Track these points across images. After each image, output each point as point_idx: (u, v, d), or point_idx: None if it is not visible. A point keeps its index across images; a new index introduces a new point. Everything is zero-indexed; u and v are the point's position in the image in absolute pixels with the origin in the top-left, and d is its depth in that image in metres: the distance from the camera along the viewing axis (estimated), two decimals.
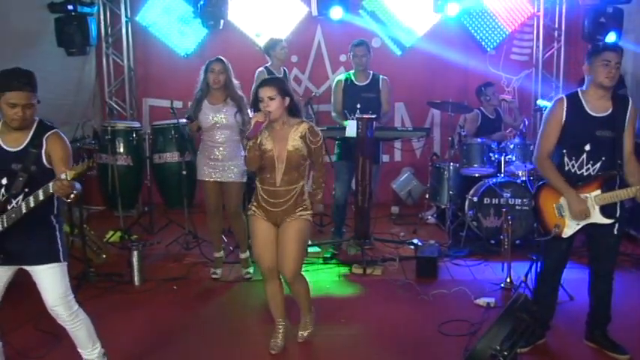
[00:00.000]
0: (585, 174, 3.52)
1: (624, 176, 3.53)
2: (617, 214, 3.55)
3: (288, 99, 3.50)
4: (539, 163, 3.64)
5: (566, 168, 3.56)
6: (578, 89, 3.61)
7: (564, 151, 3.56)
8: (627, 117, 3.50)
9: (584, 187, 3.51)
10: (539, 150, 3.63)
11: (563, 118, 3.53)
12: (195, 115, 4.87)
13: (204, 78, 4.84)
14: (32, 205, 2.94)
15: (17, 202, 2.98)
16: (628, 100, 3.54)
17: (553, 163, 3.59)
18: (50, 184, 2.87)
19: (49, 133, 3.05)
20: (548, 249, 3.72)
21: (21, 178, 2.96)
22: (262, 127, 3.47)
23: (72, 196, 2.90)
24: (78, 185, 2.96)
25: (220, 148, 4.83)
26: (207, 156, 4.87)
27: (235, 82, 4.91)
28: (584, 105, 3.52)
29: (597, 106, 3.51)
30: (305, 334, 3.90)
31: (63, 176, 2.81)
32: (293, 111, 3.57)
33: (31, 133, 3.04)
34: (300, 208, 3.57)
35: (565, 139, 3.55)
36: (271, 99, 3.44)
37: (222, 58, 4.89)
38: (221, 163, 4.84)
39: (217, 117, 4.80)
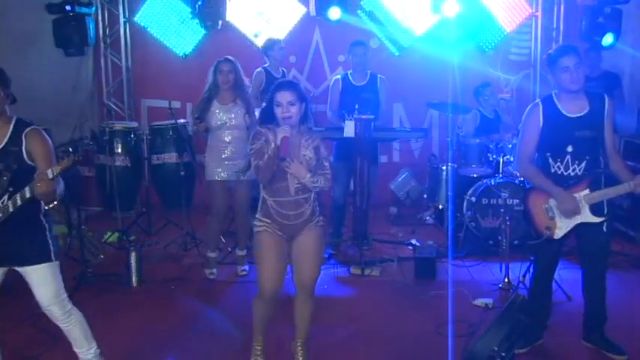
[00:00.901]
0: (572, 174, 3.54)
1: (611, 173, 3.56)
2: (606, 212, 3.56)
3: (304, 104, 3.29)
4: (522, 168, 3.71)
5: (553, 170, 3.58)
6: (553, 92, 3.64)
7: (548, 154, 3.59)
8: (605, 114, 3.52)
9: (572, 188, 3.53)
10: (519, 156, 3.69)
11: (541, 123, 3.57)
12: (203, 116, 4.87)
13: (214, 79, 4.85)
14: (19, 202, 2.93)
15: (3, 201, 2.97)
16: (604, 98, 3.56)
17: (536, 166, 3.62)
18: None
19: (27, 129, 3.03)
20: (538, 250, 3.76)
21: (5, 178, 2.95)
22: (289, 142, 3.18)
23: (53, 204, 2.91)
24: (60, 189, 2.95)
25: (229, 148, 4.84)
26: (217, 156, 4.87)
27: (245, 80, 4.94)
28: (560, 107, 3.55)
29: (572, 106, 3.54)
30: None
31: (49, 173, 2.80)
32: (305, 117, 3.33)
33: (10, 131, 3.02)
34: (316, 216, 3.39)
35: (547, 143, 3.58)
36: (292, 104, 3.21)
37: (231, 58, 4.89)
38: (231, 162, 4.84)
39: (226, 117, 4.81)
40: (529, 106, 3.69)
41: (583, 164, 3.52)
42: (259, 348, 3.59)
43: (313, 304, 3.51)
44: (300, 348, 3.59)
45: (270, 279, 3.32)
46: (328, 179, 3.34)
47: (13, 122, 3.05)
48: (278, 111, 3.24)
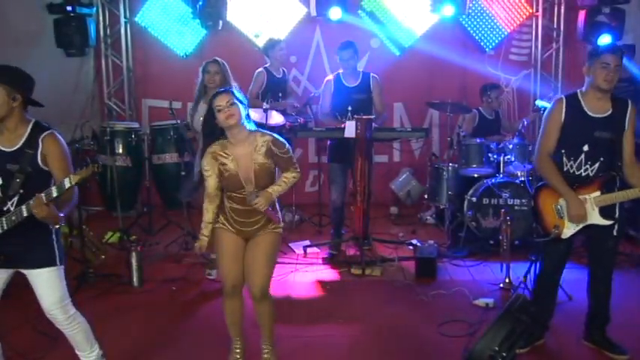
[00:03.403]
0: (584, 174, 3.53)
1: (624, 177, 3.54)
2: (617, 215, 3.55)
3: (244, 107, 3.29)
4: (540, 164, 3.64)
5: (565, 168, 3.57)
6: (578, 90, 3.61)
7: (563, 151, 3.56)
8: (627, 118, 3.50)
9: (583, 188, 3.52)
10: (539, 151, 3.64)
11: (562, 119, 3.54)
12: (191, 118, 4.90)
13: (202, 79, 4.88)
14: (14, 220, 2.92)
15: (12, 203, 2.95)
16: (627, 102, 3.54)
17: (554, 164, 3.58)
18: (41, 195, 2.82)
19: (44, 133, 3.01)
20: (547, 250, 3.73)
21: (18, 180, 2.93)
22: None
23: (57, 226, 2.92)
24: (73, 202, 2.97)
25: None
26: None
27: (234, 84, 4.91)
28: (583, 106, 3.52)
29: (596, 106, 3.51)
30: None
31: (66, 182, 2.79)
32: (247, 118, 3.34)
33: (27, 133, 3.00)
34: (273, 223, 3.39)
35: (564, 140, 3.55)
36: (231, 104, 3.20)
37: (218, 59, 4.92)
38: None
39: None
40: (553, 101, 3.67)
41: (596, 165, 3.51)
42: (238, 350, 3.55)
43: (269, 306, 3.43)
44: (266, 352, 3.53)
45: (227, 275, 3.37)
46: (298, 172, 3.37)
47: (31, 125, 3.03)
48: (221, 116, 3.21)
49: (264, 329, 3.51)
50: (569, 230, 3.57)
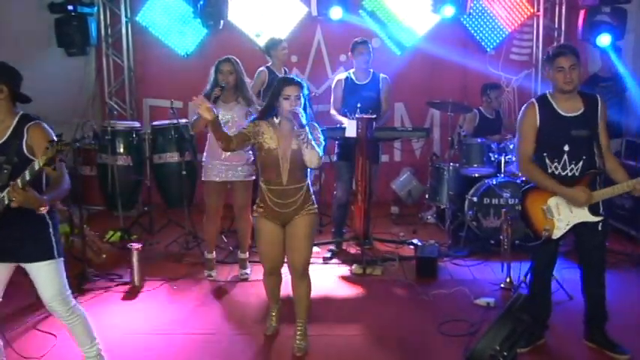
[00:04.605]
0: (570, 174, 3.54)
1: (606, 173, 3.57)
2: (601, 211, 3.57)
3: (303, 101, 3.53)
4: (524, 168, 3.68)
5: (550, 170, 3.58)
6: (547, 92, 3.65)
7: (545, 154, 3.58)
8: (599, 114, 3.54)
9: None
10: (520, 156, 3.67)
11: (538, 122, 3.57)
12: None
13: (215, 78, 4.82)
14: None
15: (2, 195, 2.95)
16: (597, 99, 3.58)
17: (537, 165, 3.61)
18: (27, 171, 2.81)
19: (30, 123, 3.03)
20: (536, 250, 3.77)
21: (5, 171, 2.94)
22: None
23: (41, 209, 2.90)
24: (46, 197, 2.94)
25: None
26: (216, 156, 4.83)
27: (247, 80, 4.92)
28: (555, 107, 3.56)
29: (567, 106, 3.55)
30: (303, 344, 3.75)
31: (36, 165, 2.78)
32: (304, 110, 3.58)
33: (13, 125, 3.02)
34: (309, 204, 3.62)
35: (543, 142, 3.58)
36: (298, 98, 3.46)
37: (232, 57, 4.85)
38: (229, 163, 4.82)
39: (228, 116, 4.80)
40: (524, 106, 3.69)
41: (580, 164, 3.52)
42: (274, 313, 4.00)
43: (308, 285, 3.75)
44: (299, 330, 3.77)
45: (266, 259, 3.74)
46: (319, 155, 3.48)
47: (17, 117, 3.05)
48: (286, 104, 3.46)
49: (300, 306, 3.79)
50: (559, 231, 3.59)
